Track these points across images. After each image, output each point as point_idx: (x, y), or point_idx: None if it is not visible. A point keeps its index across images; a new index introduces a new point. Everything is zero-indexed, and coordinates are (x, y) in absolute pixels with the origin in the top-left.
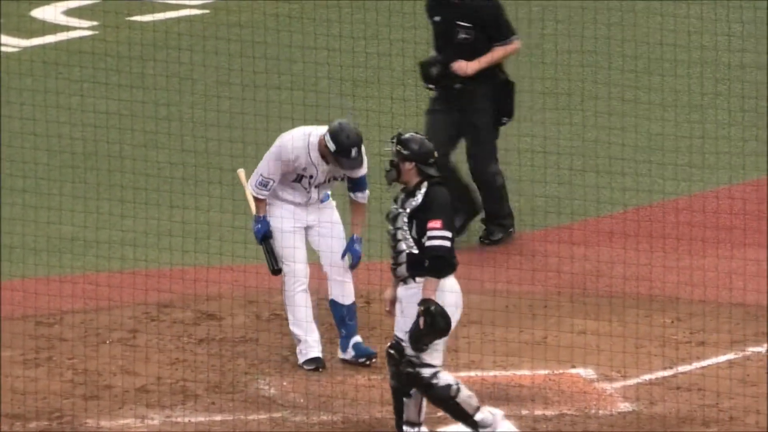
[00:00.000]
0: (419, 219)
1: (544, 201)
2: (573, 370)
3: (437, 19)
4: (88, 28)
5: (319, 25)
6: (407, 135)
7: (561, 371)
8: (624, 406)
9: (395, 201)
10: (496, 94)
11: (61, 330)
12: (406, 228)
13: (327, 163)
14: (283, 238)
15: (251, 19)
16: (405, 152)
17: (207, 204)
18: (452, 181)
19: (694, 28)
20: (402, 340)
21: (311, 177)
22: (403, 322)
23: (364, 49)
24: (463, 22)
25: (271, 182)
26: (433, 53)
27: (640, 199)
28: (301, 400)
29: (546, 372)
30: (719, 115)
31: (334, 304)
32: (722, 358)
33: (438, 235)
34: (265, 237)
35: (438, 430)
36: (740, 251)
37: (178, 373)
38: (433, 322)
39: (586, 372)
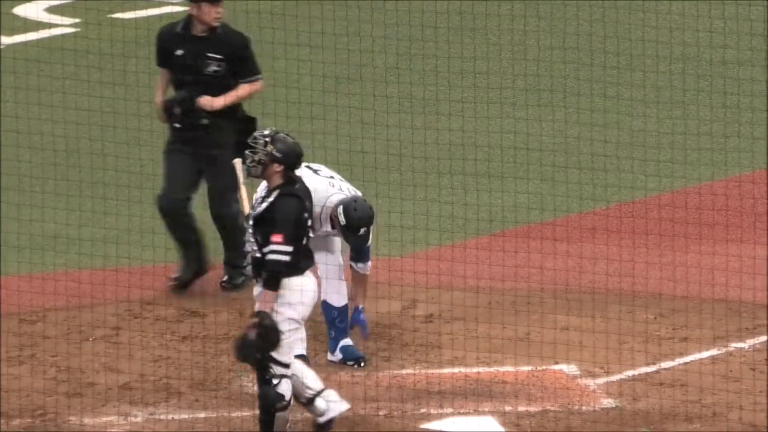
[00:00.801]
0: (260, 226)
1: (527, 197)
2: (556, 367)
3: (179, 53)
4: (70, 26)
5: (302, 22)
6: (280, 135)
7: (544, 367)
8: (607, 402)
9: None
10: (238, 131)
11: (44, 327)
12: (250, 231)
13: (333, 227)
14: None
15: (233, 16)
16: (276, 154)
17: None
18: (186, 230)
19: (676, 24)
20: None
21: (313, 229)
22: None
23: (347, 46)
24: (213, 53)
25: None
26: (180, 92)
27: (623, 195)
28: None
29: (529, 368)
30: (701, 112)
31: (326, 305)
32: (705, 354)
33: (278, 249)
34: None
35: (421, 426)
36: (722, 247)
37: (161, 371)
38: (266, 336)
39: (569, 368)
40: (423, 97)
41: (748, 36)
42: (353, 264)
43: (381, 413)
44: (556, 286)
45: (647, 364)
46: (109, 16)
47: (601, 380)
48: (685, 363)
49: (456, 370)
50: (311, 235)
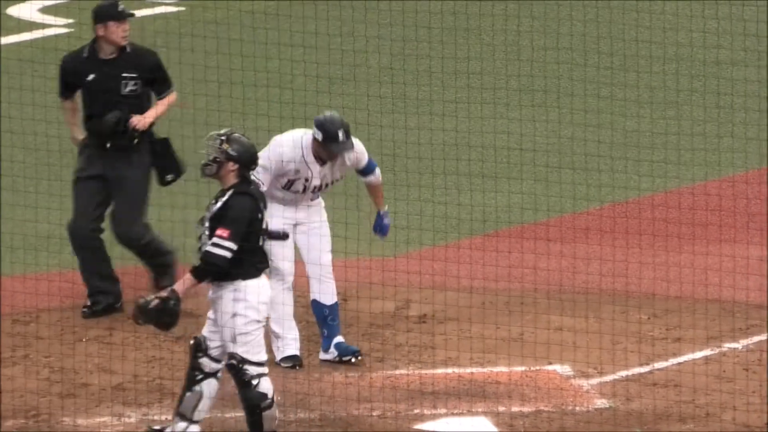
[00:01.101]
0: (213, 225)
1: (521, 197)
2: (550, 367)
3: (91, 78)
4: (64, 26)
5: (295, 22)
6: (236, 135)
7: (538, 368)
8: (600, 403)
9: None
10: (154, 152)
11: (38, 328)
12: (207, 232)
13: (322, 163)
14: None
15: (227, 16)
16: (232, 153)
17: (183, 202)
18: (97, 260)
19: (670, 24)
20: (206, 339)
21: (306, 180)
22: (212, 323)
23: (340, 46)
24: (128, 73)
25: (261, 184)
26: (114, 113)
27: (616, 195)
28: (278, 398)
29: (523, 369)
30: (694, 112)
31: (316, 304)
32: (698, 355)
33: (220, 243)
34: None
35: (414, 427)
36: (716, 247)
37: (154, 371)
38: (160, 311)
39: (563, 368)
40: (417, 98)
41: (742, 36)
42: (364, 179)
43: (374, 414)
44: (550, 287)
45: (641, 365)
46: None
47: (594, 381)
48: (679, 363)
49: (449, 370)
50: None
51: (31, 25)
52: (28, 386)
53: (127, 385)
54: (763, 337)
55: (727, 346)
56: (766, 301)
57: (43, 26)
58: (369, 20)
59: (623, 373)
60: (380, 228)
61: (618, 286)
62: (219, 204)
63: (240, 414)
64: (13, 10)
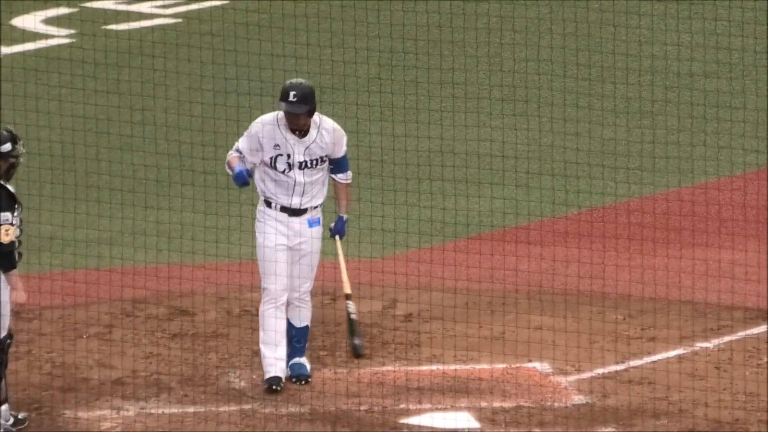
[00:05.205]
0: None
1: (503, 202)
2: (530, 364)
3: None
4: (66, 36)
5: (287, 34)
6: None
7: (518, 365)
8: (578, 399)
9: None
10: None
11: (40, 325)
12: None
13: (300, 135)
14: (266, 254)
15: (222, 28)
16: None
17: (180, 205)
18: None
19: (645, 38)
20: None
21: (288, 157)
22: None
23: (330, 57)
24: None
25: (241, 154)
26: None
27: (594, 201)
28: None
29: (504, 366)
30: (669, 122)
31: (288, 323)
32: (672, 353)
33: None
34: (242, 177)
35: (400, 421)
36: (689, 251)
37: (152, 367)
38: None
39: (542, 366)
40: (404, 106)
41: (714, 50)
42: (333, 176)
43: (362, 408)
44: (530, 288)
45: (617, 363)
46: (103, 27)
47: (572, 378)
48: (653, 362)
49: (434, 367)
50: (294, 188)
51: (35, 36)
52: (31, 380)
53: (126, 380)
54: (733, 336)
55: (699, 345)
56: (735, 303)
57: (47, 37)
58: (358, 33)
59: (600, 371)
60: (338, 232)
61: (595, 287)
62: None
63: (233, 408)
64: (18, 21)
